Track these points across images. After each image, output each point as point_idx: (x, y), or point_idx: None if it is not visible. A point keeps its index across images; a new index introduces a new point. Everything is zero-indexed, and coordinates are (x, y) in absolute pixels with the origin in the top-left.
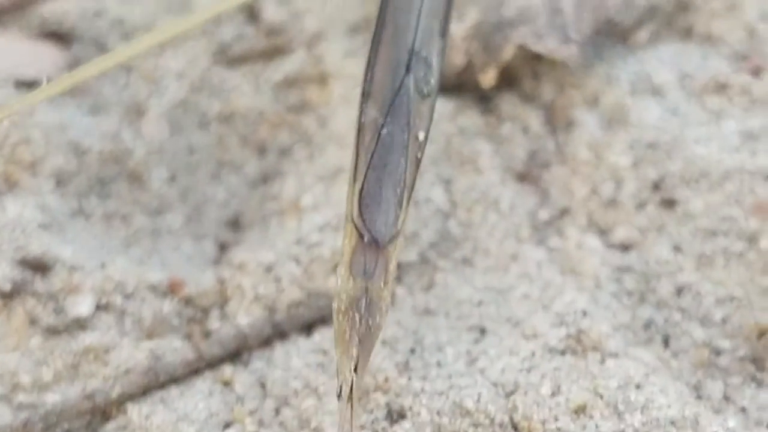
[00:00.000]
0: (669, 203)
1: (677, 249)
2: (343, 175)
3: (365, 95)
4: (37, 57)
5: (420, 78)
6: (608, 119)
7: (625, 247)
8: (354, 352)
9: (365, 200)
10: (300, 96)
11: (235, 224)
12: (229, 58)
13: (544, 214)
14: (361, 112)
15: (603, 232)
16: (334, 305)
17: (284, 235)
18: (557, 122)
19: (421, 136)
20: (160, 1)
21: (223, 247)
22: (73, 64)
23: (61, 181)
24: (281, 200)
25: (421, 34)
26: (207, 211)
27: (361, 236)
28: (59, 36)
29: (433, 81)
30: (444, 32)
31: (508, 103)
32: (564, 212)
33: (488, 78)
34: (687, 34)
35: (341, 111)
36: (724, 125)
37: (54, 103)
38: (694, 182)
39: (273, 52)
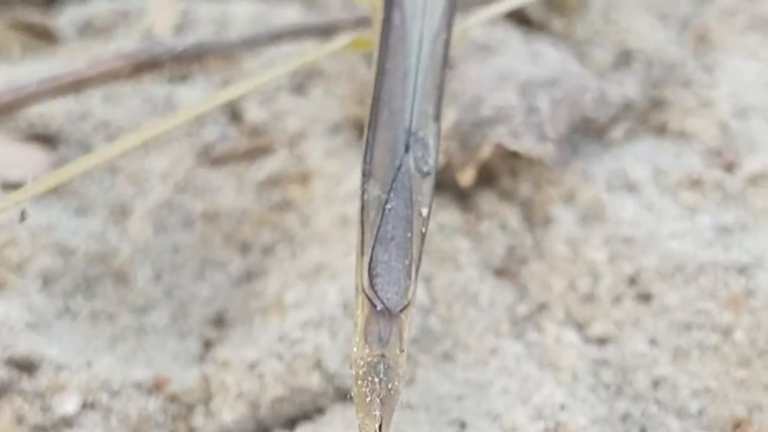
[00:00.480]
0: (645, 297)
1: (653, 342)
2: (326, 272)
3: (366, 175)
4: (23, 159)
5: (419, 157)
6: (585, 215)
7: (602, 341)
8: (377, 413)
9: (374, 271)
10: (282, 195)
11: (220, 322)
12: (212, 158)
13: (522, 309)
14: (363, 191)
15: (580, 327)
16: (352, 372)
17: (267, 332)
18: (535, 218)
19: (424, 211)
20: (144, 103)
21: (207, 345)
22: (59, 166)
23: (47, 281)
24: (265, 298)
25: (417, 117)
26: (192, 308)
27: (373, 305)
28: (46, 138)
29: (432, 161)
30: (438, 117)
31: (486, 200)
32: (542, 307)
33: (467, 176)
34: (661, 131)
35: (323, 209)
36: (699, 220)
37: (40, 205)
38: (669, 276)
39: (255, 152)
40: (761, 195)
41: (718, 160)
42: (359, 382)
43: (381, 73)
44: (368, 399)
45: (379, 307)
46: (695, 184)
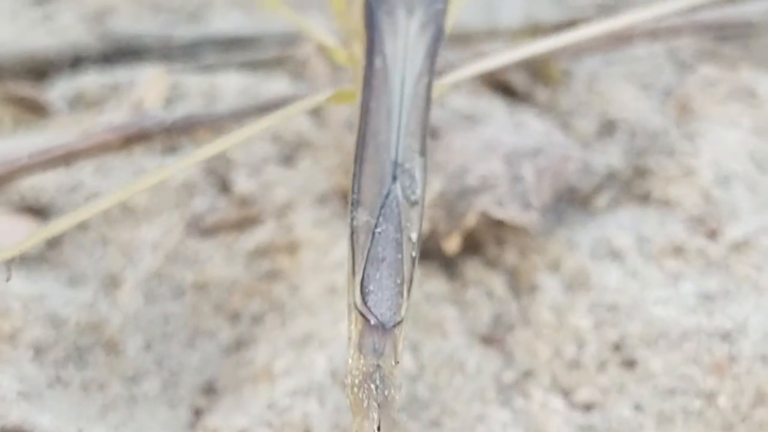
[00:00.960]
0: (629, 363)
1: (638, 408)
2: (314, 340)
3: (354, 204)
4: (15, 231)
5: (406, 186)
6: (570, 283)
7: (587, 407)
8: (375, 415)
9: (367, 289)
10: (271, 265)
11: (210, 390)
12: (202, 229)
13: (508, 376)
14: (352, 218)
15: (566, 393)
16: (347, 381)
17: (257, 400)
18: (520, 286)
19: (414, 236)
20: (135, 175)
21: (198, 413)
22: (50, 237)
23: (39, 351)
24: (254, 366)
25: (402, 151)
26: (182, 377)
27: (367, 320)
28: (37, 210)
29: (419, 191)
30: (423, 151)
31: (472, 268)
32: (528, 374)
33: (452, 245)
34: (645, 199)
35: (311, 279)
36: (682, 287)
37: (32, 276)
38: (653, 343)
39: (244, 223)
40: (744, 262)
41: (701, 228)
42: (355, 389)
43: (365, 112)
44: (365, 404)
45: (372, 322)
46: (678, 251)
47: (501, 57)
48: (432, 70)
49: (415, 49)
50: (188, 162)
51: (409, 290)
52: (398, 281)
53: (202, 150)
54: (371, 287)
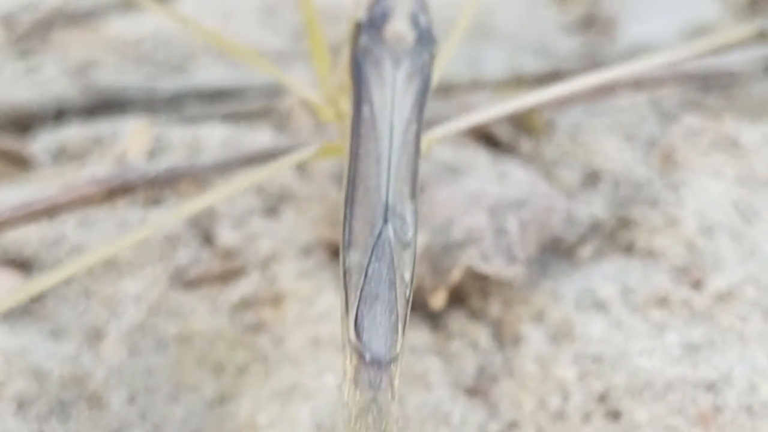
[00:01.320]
0: (614, 415)
1: None
2: (299, 393)
3: (346, 245)
4: None
5: (398, 228)
6: (554, 334)
7: None
8: None
9: (361, 326)
10: (255, 317)
11: None
12: (185, 281)
13: (493, 428)
14: (344, 259)
15: None
16: (343, 417)
17: None
18: (505, 338)
19: (407, 276)
20: (118, 227)
21: None
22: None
23: (22, 404)
24: (238, 419)
25: (393, 194)
26: (166, 431)
27: (362, 356)
28: (20, 264)
29: (410, 234)
30: (413, 196)
31: (456, 320)
32: (512, 425)
33: (438, 301)
34: (629, 249)
35: (296, 331)
36: (667, 338)
37: (15, 329)
38: (638, 394)
39: (228, 275)
40: (728, 312)
41: (685, 278)
42: (351, 423)
43: (354, 159)
44: None
45: (368, 358)
46: (663, 302)
47: (488, 111)
48: (420, 119)
49: (403, 99)
50: (173, 217)
51: (403, 327)
52: (392, 318)
53: (187, 205)
54: (365, 324)
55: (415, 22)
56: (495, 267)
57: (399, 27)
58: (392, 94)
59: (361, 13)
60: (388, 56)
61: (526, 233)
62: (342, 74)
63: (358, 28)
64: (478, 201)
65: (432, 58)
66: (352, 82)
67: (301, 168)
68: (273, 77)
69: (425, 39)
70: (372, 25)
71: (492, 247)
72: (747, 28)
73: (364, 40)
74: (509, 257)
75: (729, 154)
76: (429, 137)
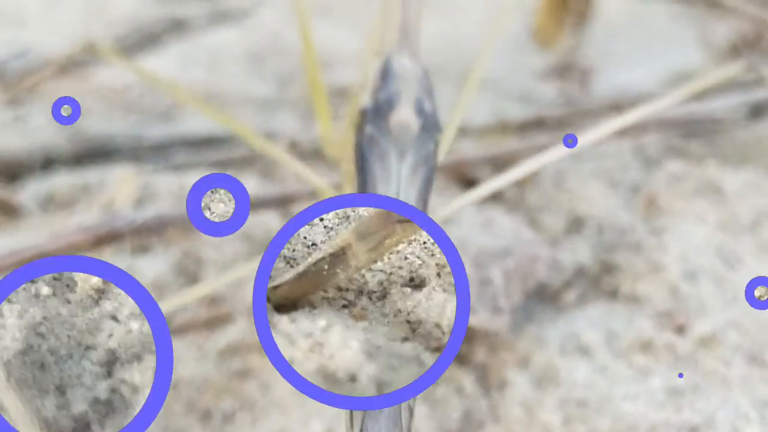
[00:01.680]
0: None
1: None
2: None
3: None
4: None
5: None
6: (539, 379)
7: None
8: None
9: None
10: (242, 363)
11: None
12: (172, 328)
13: None
14: None
15: None
16: None
17: None
18: (490, 383)
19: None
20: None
21: None
22: None
23: None
24: None
25: None
26: None
27: None
28: None
29: None
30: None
31: None
32: None
33: None
34: (613, 295)
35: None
36: (651, 382)
37: None
38: None
39: (215, 322)
40: (711, 357)
41: (668, 323)
42: None
43: None
44: None
45: None
46: (647, 346)
47: (498, 180)
48: (424, 210)
49: (407, 193)
50: (194, 295)
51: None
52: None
53: (204, 285)
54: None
55: (420, 108)
56: (480, 318)
57: (404, 115)
58: (397, 188)
59: (365, 99)
60: (394, 148)
61: (511, 283)
62: (346, 162)
63: (363, 116)
64: (463, 250)
65: (436, 145)
66: (357, 173)
67: (287, 213)
68: (258, 126)
69: (430, 126)
70: (377, 112)
71: (477, 298)
72: (736, 65)
73: (369, 129)
74: (494, 308)
75: (712, 200)
76: (439, 214)
